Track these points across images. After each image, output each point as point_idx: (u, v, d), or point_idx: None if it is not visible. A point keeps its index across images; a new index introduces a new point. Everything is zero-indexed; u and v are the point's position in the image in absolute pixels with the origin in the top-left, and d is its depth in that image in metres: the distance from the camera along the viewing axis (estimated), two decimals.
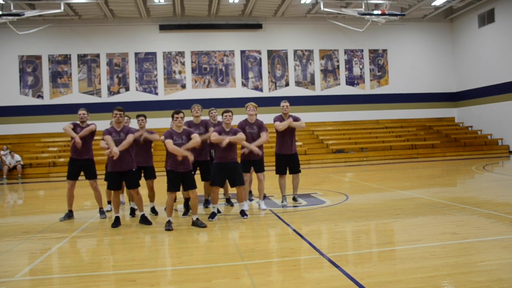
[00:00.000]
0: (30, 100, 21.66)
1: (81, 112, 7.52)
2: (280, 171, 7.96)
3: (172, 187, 6.45)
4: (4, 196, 12.94)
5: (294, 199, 8.25)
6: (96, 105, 21.43)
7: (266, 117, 12.34)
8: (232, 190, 7.75)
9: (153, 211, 7.68)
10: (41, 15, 20.00)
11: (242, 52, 23.31)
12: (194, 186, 6.47)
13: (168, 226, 6.30)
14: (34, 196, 12.53)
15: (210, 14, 22.40)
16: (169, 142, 6.33)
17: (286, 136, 7.88)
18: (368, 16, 19.30)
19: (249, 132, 7.51)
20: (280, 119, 7.91)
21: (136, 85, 22.53)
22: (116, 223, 6.70)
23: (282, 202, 7.95)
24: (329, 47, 24.02)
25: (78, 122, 7.53)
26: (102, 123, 10.34)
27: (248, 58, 23.37)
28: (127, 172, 6.77)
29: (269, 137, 7.61)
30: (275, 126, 7.83)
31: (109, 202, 8.16)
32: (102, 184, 7.72)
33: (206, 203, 8.09)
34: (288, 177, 8.09)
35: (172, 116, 6.55)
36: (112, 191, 6.93)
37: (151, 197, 7.73)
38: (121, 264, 4.81)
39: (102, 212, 7.63)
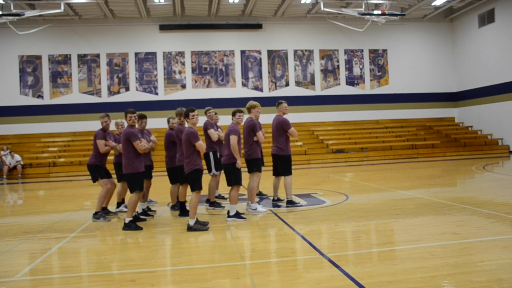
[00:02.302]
0: (30, 100, 21.65)
1: (105, 119, 7.47)
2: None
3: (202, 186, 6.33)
4: (4, 196, 12.93)
5: (280, 200, 8.20)
6: (96, 105, 21.51)
7: (267, 117, 12.34)
8: (226, 190, 7.71)
9: (148, 210, 7.66)
10: (41, 15, 19.99)
11: (242, 52, 23.31)
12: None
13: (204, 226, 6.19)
14: (34, 196, 12.52)
15: (210, 14, 22.40)
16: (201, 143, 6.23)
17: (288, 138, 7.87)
18: (368, 16, 19.29)
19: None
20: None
21: (136, 85, 22.53)
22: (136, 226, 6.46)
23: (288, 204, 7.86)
24: (329, 47, 24.01)
25: (104, 130, 7.46)
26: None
27: (248, 58, 23.36)
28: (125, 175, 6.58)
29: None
30: (295, 134, 7.71)
31: (118, 204, 8.01)
32: (92, 185, 7.72)
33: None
34: (272, 178, 8.11)
35: (188, 115, 6.22)
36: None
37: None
38: (121, 264, 4.81)
39: (101, 215, 7.31)
